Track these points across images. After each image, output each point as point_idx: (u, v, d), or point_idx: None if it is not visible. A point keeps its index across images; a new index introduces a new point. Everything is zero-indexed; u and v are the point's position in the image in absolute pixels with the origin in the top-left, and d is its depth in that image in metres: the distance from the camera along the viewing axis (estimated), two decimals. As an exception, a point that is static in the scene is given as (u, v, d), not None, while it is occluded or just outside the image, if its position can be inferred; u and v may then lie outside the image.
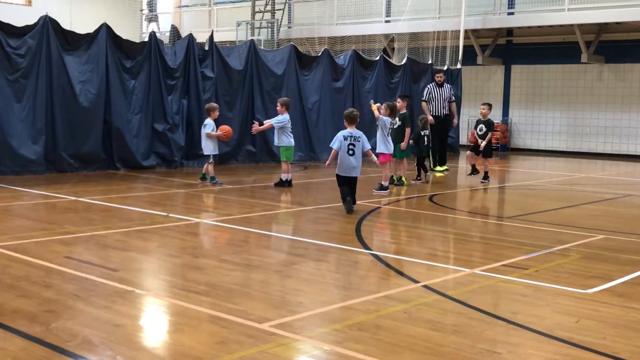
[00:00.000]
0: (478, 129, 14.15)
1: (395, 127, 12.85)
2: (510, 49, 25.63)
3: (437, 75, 16.84)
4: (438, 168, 16.14)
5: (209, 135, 12.37)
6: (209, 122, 12.45)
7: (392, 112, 12.37)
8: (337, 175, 9.96)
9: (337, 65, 19.06)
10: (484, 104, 14.12)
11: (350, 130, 9.93)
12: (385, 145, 12.05)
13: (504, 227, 9.26)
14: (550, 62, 24.68)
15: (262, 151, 17.11)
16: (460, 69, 23.25)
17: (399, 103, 13.12)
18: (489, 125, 13.80)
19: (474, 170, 14.40)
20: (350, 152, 9.79)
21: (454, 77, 23.09)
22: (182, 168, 15.35)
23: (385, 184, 12.06)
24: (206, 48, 16.24)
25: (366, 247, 7.32)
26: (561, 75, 24.63)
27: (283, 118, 12.52)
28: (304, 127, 17.85)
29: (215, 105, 12.79)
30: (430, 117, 15.48)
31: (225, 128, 12.63)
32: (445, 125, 16.40)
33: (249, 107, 16.93)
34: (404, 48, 22.59)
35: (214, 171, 12.80)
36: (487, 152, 14.06)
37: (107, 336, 4.35)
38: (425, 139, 14.17)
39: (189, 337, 4.40)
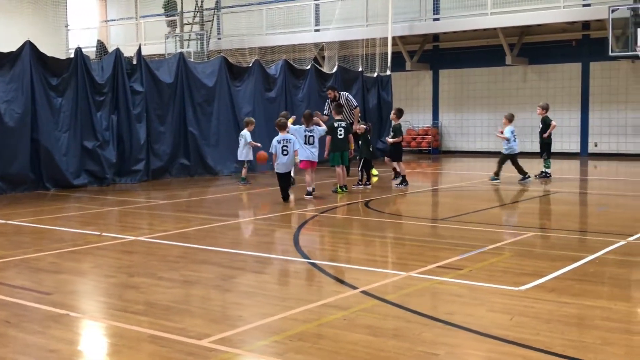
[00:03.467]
0: (389, 133, 14.77)
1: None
2: (437, 54, 26.14)
3: (327, 92, 16.98)
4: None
5: (252, 145, 14.77)
6: (247, 133, 14.82)
7: (306, 119, 12.64)
8: (276, 173, 12.11)
9: (269, 75, 19.07)
10: (394, 111, 14.61)
11: (282, 135, 12.10)
12: (304, 152, 12.39)
13: (438, 229, 9.41)
14: (477, 66, 25.26)
15: (197, 164, 16.96)
16: (389, 76, 23.55)
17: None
18: (396, 130, 14.18)
19: (397, 175, 14.74)
20: (285, 152, 11.97)
21: (384, 84, 23.38)
22: (114, 185, 15.07)
23: (309, 189, 12.42)
24: (134, 62, 16.02)
25: (305, 257, 7.34)
26: (487, 78, 25.24)
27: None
28: (237, 137, 17.75)
29: (253, 120, 15.22)
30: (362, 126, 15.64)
31: (263, 155, 13.65)
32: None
33: (180, 120, 16.76)
34: (334, 56, 22.76)
35: (245, 173, 14.97)
36: (395, 155, 14.48)
37: (42, 363, 4.23)
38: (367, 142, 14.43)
39: (127, 358, 4.32)
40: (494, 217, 10.63)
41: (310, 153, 12.51)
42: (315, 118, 13.18)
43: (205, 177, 16.77)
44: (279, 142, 12.04)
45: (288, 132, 12.41)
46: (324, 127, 13.07)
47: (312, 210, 11.05)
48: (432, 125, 26.19)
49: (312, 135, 12.57)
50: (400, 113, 14.48)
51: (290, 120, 13.01)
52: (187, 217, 10.50)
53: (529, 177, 14.95)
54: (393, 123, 14.34)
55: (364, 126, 14.26)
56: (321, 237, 8.86)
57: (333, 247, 8.21)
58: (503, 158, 15.08)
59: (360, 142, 14.33)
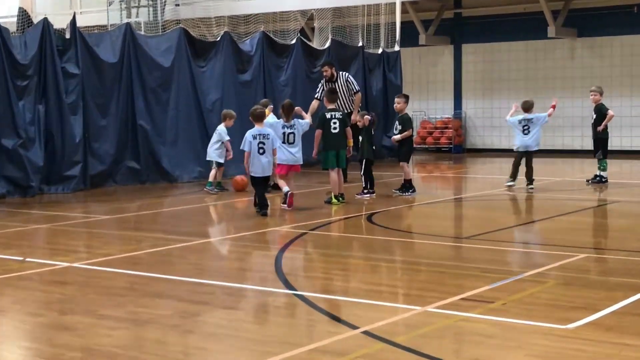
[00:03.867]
0: (394, 126, 14.69)
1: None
2: (459, 23, 26.23)
3: (322, 69, 17.15)
4: None
5: (226, 145, 14.94)
6: (223, 129, 15.04)
7: (285, 112, 12.73)
8: (251, 177, 11.96)
9: (243, 53, 19.06)
10: (398, 96, 14.65)
11: (259, 128, 11.97)
12: (281, 153, 12.47)
13: (462, 250, 9.40)
14: (511, 39, 25.33)
15: (149, 168, 16.93)
16: (398, 52, 23.62)
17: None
18: (405, 121, 14.14)
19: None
20: (261, 150, 11.80)
21: (391, 63, 23.41)
22: (41, 196, 15.02)
23: (285, 189, 12.44)
24: (67, 36, 15.98)
25: (290, 287, 7.32)
26: (524, 54, 25.33)
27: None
28: (203, 134, 17.75)
29: (233, 113, 15.31)
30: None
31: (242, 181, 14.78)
32: None
33: (128, 110, 16.74)
34: (327, 28, 22.76)
35: (217, 177, 14.99)
36: (403, 155, 14.44)
37: None
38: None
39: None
40: (534, 234, 10.64)
41: (290, 155, 12.57)
42: (297, 108, 13.22)
43: (160, 184, 16.74)
44: (254, 138, 11.87)
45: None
46: (307, 120, 13.12)
47: (298, 226, 11.01)
48: (453, 116, 26.25)
49: (293, 133, 12.64)
50: (408, 100, 14.53)
51: (268, 111, 13.01)
52: (137, 237, 10.45)
53: (513, 183, 14.98)
54: (399, 114, 14.39)
55: (368, 117, 14.18)
56: (311, 262, 8.84)
57: (326, 274, 8.19)
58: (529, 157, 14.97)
59: (361, 138, 14.32)
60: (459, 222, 12.24)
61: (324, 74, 16.66)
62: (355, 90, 16.69)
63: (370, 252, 9.35)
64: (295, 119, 12.76)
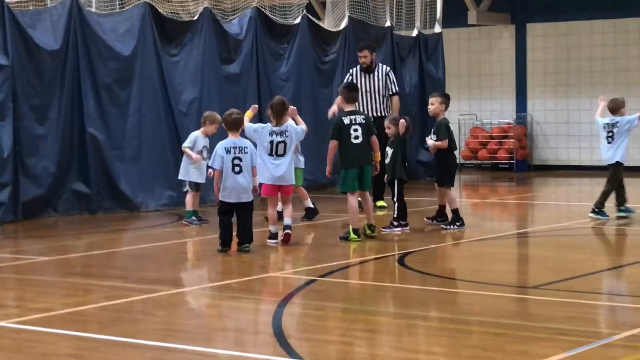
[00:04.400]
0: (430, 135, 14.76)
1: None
2: (523, -4, 26.28)
3: (359, 53, 17.12)
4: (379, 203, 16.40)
5: (185, 153, 14.90)
6: (199, 137, 15.06)
7: (275, 113, 12.89)
8: (221, 202, 12.20)
9: (229, 36, 19.06)
10: (433, 95, 14.77)
11: (233, 139, 12.26)
12: (267, 170, 12.65)
13: (527, 304, 9.35)
14: (593, 16, 25.30)
15: (103, 192, 16.89)
16: (439, 35, 23.64)
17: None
18: (440, 128, 14.13)
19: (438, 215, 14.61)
20: (237, 168, 12.05)
21: (430, 49, 23.39)
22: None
23: (273, 228, 12.60)
24: (-7, 15, 16.04)
25: (293, 355, 7.22)
26: (612, 38, 25.25)
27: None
28: (175, 146, 17.70)
29: (217, 117, 14.90)
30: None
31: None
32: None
33: (74, 114, 16.74)
34: (343, 1, 22.77)
35: (194, 205, 14.97)
36: (442, 178, 14.45)
37: None
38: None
39: None
40: (627, 282, 10.56)
41: (276, 171, 12.59)
42: (292, 108, 13.23)
43: (118, 214, 16.76)
44: (227, 152, 12.10)
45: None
46: (302, 127, 13.13)
47: (304, 271, 10.98)
48: (515, 122, 26.18)
49: (283, 141, 12.69)
50: (447, 101, 14.54)
51: (249, 114, 13.10)
52: (86, 286, 10.44)
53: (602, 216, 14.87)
54: (436, 119, 14.37)
55: (403, 121, 14.09)
56: (322, 320, 8.77)
57: (344, 337, 8.10)
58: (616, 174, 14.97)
59: (392, 150, 14.17)
60: (524, 266, 12.16)
61: (362, 59, 16.63)
62: (394, 91, 16.76)
63: (403, 306, 9.25)
64: (287, 123, 12.72)
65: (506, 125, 26.30)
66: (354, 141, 13.08)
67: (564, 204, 18.64)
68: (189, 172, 15.00)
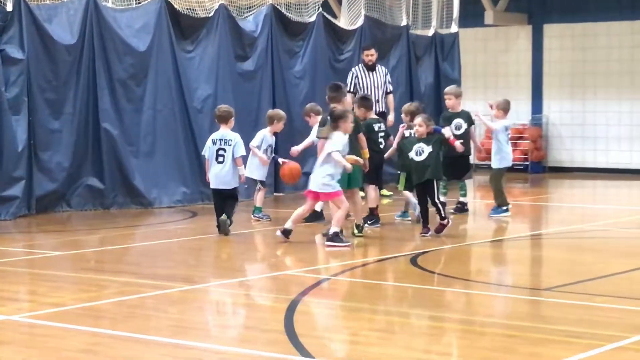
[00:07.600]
0: (454, 125, 15.08)
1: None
2: (540, -4, 26.22)
3: (365, 51, 17.42)
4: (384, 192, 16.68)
5: (253, 152, 15.06)
6: (267, 136, 15.28)
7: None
8: (212, 189, 13.55)
9: (244, 33, 19.04)
10: (448, 91, 15.30)
11: (223, 131, 13.55)
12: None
13: (540, 306, 9.36)
14: (609, 18, 25.22)
15: (116, 188, 16.91)
16: (456, 34, 23.60)
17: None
18: (461, 118, 14.58)
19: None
20: (220, 158, 13.38)
21: (446, 49, 23.35)
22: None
23: (337, 229, 12.36)
24: (9, 9, 16.04)
25: (305, 353, 7.24)
26: (629, 40, 25.17)
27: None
28: (189, 142, 17.73)
29: (281, 114, 15.65)
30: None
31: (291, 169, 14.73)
32: None
33: (89, 109, 16.75)
34: (359, 1, 22.76)
35: (262, 201, 15.38)
36: (461, 168, 15.14)
37: None
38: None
39: None
40: (641, 285, 10.57)
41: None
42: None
43: (131, 209, 16.77)
44: (213, 143, 13.50)
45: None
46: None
47: (317, 269, 11.00)
48: (530, 123, 26.12)
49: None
50: (458, 94, 14.82)
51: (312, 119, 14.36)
52: (99, 281, 10.42)
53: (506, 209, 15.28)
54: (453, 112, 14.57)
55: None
56: (334, 319, 8.79)
57: (355, 336, 8.13)
58: (498, 177, 15.62)
59: (433, 150, 14.10)
60: (537, 268, 12.14)
61: (368, 57, 16.78)
62: (390, 90, 17.28)
63: (415, 307, 9.28)
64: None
65: (521, 127, 26.23)
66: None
67: (579, 206, 18.60)
68: (255, 170, 15.17)
